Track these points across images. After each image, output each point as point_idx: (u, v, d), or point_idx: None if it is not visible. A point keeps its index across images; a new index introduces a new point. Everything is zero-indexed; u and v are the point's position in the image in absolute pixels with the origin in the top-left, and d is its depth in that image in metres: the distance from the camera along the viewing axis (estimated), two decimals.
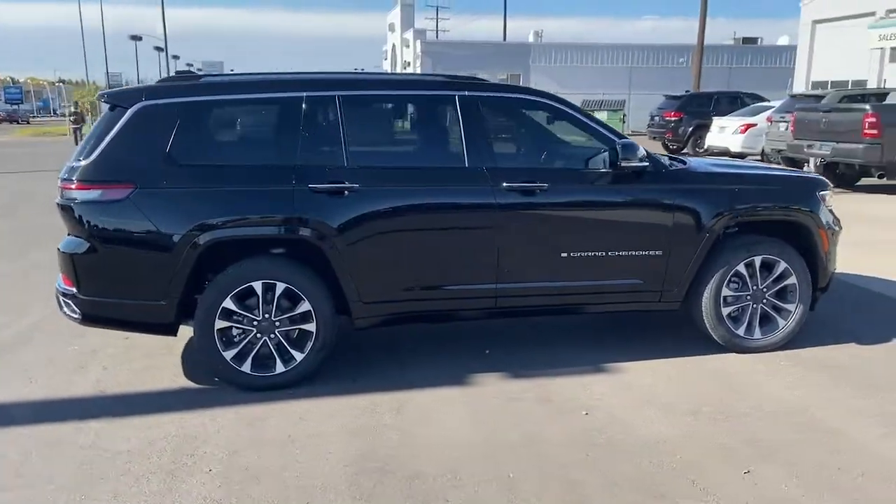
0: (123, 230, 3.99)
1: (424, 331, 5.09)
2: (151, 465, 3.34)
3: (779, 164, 13.92)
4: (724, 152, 17.06)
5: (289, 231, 4.11)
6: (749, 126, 17.19)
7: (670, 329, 5.21)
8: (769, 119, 16.24)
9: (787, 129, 14.84)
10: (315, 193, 4.09)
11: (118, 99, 4.18)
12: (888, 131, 11.55)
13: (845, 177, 13.25)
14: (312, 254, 4.16)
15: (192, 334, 4.21)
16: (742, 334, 4.70)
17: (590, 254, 4.46)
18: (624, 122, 29.50)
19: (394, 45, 55.15)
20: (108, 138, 4.03)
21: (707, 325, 4.68)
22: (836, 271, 5.07)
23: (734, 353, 4.71)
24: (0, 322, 5.49)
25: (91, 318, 4.16)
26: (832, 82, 26.73)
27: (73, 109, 29.83)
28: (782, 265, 4.66)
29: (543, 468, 3.30)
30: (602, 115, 23.36)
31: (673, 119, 20.54)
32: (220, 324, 4.06)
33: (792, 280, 4.68)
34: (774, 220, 4.74)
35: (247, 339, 4.13)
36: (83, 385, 4.29)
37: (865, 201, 11.79)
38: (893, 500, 3.05)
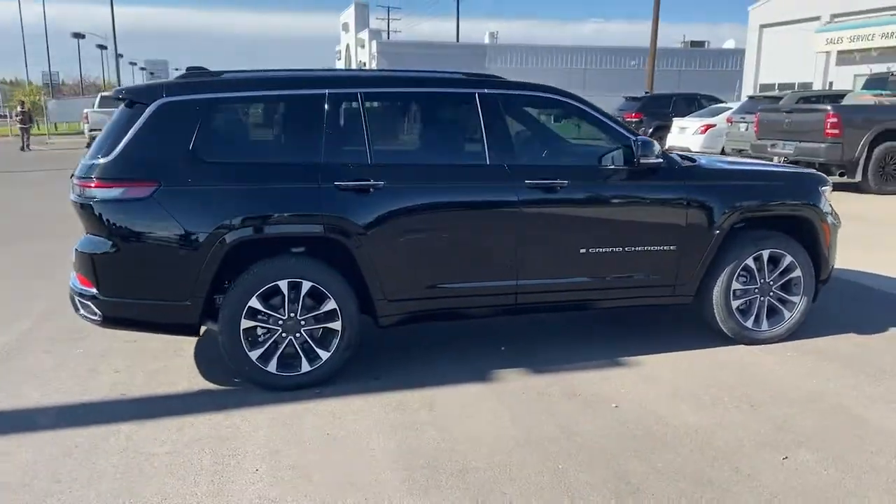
0: (147, 229, 3.89)
1: (435, 329, 5.09)
2: (194, 467, 3.28)
3: None
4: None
5: (316, 229, 4.08)
6: (709, 126, 17.65)
7: (669, 323, 5.33)
8: (729, 119, 16.71)
9: (747, 129, 15.30)
10: (341, 191, 4.06)
11: (138, 95, 4.09)
12: (848, 131, 12.01)
13: None
14: (337, 252, 4.13)
15: (198, 337, 4.12)
16: (751, 326, 4.83)
17: (607, 249, 4.53)
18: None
19: (348, 45, 54.87)
20: (128, 135, 3.93)
21: (717, 319, 4.80)
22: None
23: (741, 345, 4.84)
24: None
25: (112, 319, 4.05)
26: (779, 84, 27.64)
27: (20, 109, 28.78)
28: (788, 258, 4.81)
29: (590, 459, 3.35)
30: None
31: (634, 120, 20.91)
32: (245, 323, 4.00)
33: (797, 273, 4.84)
34: (781, 214, 4.89)
35: (272, 339, 4.08)
36: (100, 389, 4.18)
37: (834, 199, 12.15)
38: None
